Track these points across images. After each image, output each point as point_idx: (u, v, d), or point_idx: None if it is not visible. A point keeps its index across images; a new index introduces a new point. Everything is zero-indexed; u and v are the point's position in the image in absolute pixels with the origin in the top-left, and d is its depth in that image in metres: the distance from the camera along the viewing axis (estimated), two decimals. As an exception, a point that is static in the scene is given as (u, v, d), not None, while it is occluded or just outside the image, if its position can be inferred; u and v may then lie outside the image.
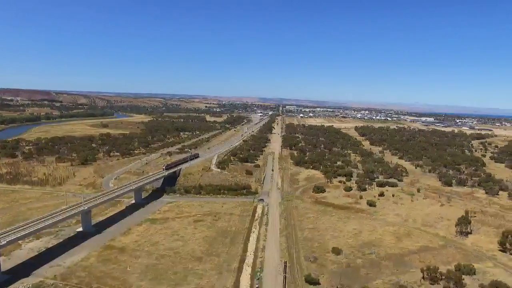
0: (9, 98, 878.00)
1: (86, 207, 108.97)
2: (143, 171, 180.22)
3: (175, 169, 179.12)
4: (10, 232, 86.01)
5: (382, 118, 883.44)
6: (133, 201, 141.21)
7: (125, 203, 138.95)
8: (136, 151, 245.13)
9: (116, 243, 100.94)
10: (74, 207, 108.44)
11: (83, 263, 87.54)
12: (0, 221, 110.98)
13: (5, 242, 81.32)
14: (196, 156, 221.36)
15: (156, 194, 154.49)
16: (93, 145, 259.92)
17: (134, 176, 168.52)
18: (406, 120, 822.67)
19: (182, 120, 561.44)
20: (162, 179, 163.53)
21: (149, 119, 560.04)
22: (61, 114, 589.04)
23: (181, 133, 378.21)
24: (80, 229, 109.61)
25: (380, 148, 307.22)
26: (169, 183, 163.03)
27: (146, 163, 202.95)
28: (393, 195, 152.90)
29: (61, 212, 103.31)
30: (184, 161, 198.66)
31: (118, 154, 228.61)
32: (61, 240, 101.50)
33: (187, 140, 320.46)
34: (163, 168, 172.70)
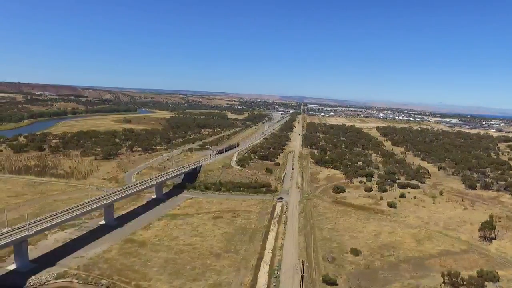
0: (37, 93, 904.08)
1: (108, 201, 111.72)
2: (164, 167, 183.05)
3: (224, 153, 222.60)
4: (37, 223, 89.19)
5: (405, 118, 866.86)
6: (154, 196, 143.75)
7: (146, 198, 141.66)
8: (158, 147, 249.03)
9: (137, 236, 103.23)
10: (97, 200, 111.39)
11: (105, 255, 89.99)
12: (28, 211, 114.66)
13: (33, 232, 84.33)
14: (236, 146, 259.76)
15: (177, 189, 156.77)
16: (117, 140, 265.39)
17: (156, 172, 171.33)
18: (429, 121, 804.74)
19: (203, 116, 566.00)
20: (183, 175, 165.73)
21: (171, 115, 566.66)
22: (86, 109, 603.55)
23: (202, 129, 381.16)
24: (103, 222, 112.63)
25: (402, 149, 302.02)
26: (189, 179, 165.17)
27: (168, 159, 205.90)
28: (414, 197, 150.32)
29: (85, 205, 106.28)
30: (230, 148, 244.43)
31: (140, 149, 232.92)
32: (84, 232, 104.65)
33: (208, 137, 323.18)
34: (216, 153, 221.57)
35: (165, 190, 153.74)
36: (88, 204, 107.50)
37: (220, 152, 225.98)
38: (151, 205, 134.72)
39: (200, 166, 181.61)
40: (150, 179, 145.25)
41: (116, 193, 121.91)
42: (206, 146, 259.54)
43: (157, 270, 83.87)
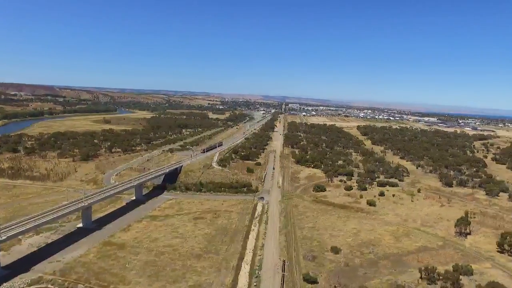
0: (12, 92, 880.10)
1: (86, 203, 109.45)
2: (144, 168, 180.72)
3: (210, 152, 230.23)
4: (10, 227, 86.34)
5: (385, 117, 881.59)
6: (134, 198, 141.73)
7: (126, 200, 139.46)
8: (138, 148, 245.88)
9: (115, 239, 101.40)
10: (74, 203, 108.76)
11: (82, 259, 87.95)
12: (1, 216, 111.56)
13: (5, 237, 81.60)
14: (220, 144, 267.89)
15: (157, 191, 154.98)
16: (95, 141, 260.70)
17: (136, 173, 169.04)
18: (408, 120, 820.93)
19: (184, 117, 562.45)
20: (163, 176, 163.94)
21: (152, 115, 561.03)
22: (64, 110, 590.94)
23: (183, 130, 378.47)
24: (81, 225, 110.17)
25: (382, 148, 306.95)
26: (170, 180, 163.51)
27: (148, 160, 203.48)
28: (393, 195, 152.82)
29: (62, 208, 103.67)
30: (214, 146, 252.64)
31: (120, 150, 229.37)
32: (61, 236, 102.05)
33: (189, 137, 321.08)
34: (201, 152, 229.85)
35: (145, 191, 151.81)
36: (65, 207, 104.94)
37: (205, 151, 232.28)
38: (130, 206, 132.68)
39: (181, 167, 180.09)
40: (130, 180, 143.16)
41: (94, 195, 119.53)
42: (187, 146, 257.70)
43: (136, 272, 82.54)
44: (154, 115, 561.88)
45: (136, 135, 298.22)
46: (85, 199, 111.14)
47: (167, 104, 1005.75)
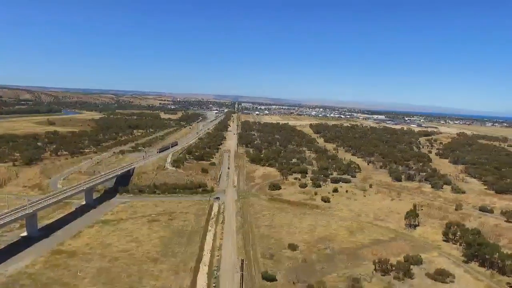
0: None
1: (31, 210, 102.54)
2: (94, 171, 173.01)
3: (165, 152, 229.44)
4: None
5: (336, 115, 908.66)
6: (84, 202, 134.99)
7: (75, 205, 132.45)
8: (86, 150, 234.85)
9: (65, 247, 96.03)
10: (17, 210, 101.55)
11: (28, 270, 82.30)
12: None
13: None
14: (176, 144, 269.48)
15: (109, 194, 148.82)
16: (39, 143, 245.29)
17: (85, 176, 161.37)
18: (358, 118, 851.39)
19: (135, 117, 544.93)
20: (115, 178, 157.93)
21: (100, 116, 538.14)
22: (0, 110, 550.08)
23: (134, 131, 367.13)
24: (25, 233, 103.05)
25: (334, 145, 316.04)
26: (122, 183, 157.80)
27: (98, 163, 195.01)
28: (346, 191, 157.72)
29: (2, 217, 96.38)
30: (168, 147, 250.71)
31: (66, 153, 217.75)
32: (2, 247, 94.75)
33: (140, 138, 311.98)
34: (157, 151, 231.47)
35: (96, 195, 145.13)
36: (6, 215, 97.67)
37: (160, 150, 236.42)
38: (80, 212, 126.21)
39: (133, 169, 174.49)
40: (79, 184, 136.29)
41: (40, 202, 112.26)
42: (139, 148, 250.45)
43: (89, 280, 78.62)
44: (103, 116, 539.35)
45: (84, 137, 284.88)
46: (29, 206, 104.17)
47: (116, 104, 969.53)
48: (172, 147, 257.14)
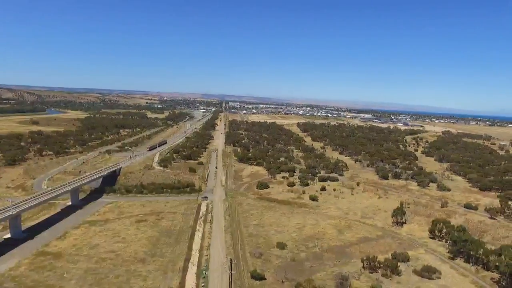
0: None
1: (14, 212, 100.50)
2: (80, 171, 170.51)
3: (153, 151, 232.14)
4: None
5: (323, 114, 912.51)
6: (70, 203, 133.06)
7: (61, 206, 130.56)
8: (71, 150, 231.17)
9: (50, 248, 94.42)
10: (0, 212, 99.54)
11: (12, 272, 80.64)
12: None
13: None
14: (165, 142, 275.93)
15: (95, 194, 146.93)
16: (22, 143, 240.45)
17: (70, 176, 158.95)
18: (345, 117, 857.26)
19: (121, 116, 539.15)
20: (101, 179, 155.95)
21: (86, 115, 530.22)
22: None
23: (121, 130, 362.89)
24: (8, 235, 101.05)
25: (322, 144, 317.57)
26: (108, 183, 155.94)
27: (83, 162, 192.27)
28: (334, 190, 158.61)
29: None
30: (160, 144, 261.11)
31: (51, 153, 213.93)
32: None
33: (127, 138, 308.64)
34: (147, 149, 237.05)
35: (82, 195, 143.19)
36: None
37: (150, 149, 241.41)
38: (66, 213, 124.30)
39: (120, 169, 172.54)
40: (64, 184, 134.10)
41: (24, 203, 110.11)
42: (126, 147, 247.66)
43: (75, 282, 77.40)
44: (89, 115, 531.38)
45: (70, 137, 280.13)
46: (13, 207, 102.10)
47: (102, 104, 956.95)
48: (161, 145, 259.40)
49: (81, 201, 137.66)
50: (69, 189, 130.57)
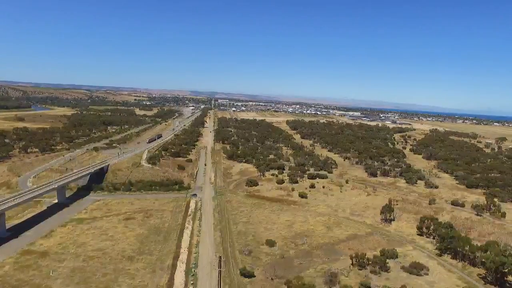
0: None
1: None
2: (66, 168, 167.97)
3: (154, 143, 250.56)
4: None
5: (312, 112, 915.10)
6: (56, 201, 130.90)
7: (47, 203, 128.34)
8: (58, 147, 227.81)
9: (36, 247, 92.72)
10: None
11: (-3, 271, 79.05)
12: None
13: None
14: (160, 136, 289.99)
15: (82, 192, 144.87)
16: (6, 140, 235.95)
17: (57, 174, 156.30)
18: (334, 114, 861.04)
19: (109, 113, 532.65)
20: (88, 176, 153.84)
21: (73, 112, 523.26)
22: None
23: (109, 127, 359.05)
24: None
25: (311, 142, 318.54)
26: (96, 181, 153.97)
27: (70, 160, 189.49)
28: (323, 187, 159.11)
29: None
30: (157, 138, 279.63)
31: (37, 150, 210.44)
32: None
33: (115, 135, 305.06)
34: (147, 142, 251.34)
35: (69, 193, 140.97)
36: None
37: (150, 141, 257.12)
38: (52, 210, 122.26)
39: (108, 166, 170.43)
40: (50, 182, 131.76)
41: (8, 201, 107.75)
42: (114, 144, 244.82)
43: (62, 281, 76.16)
44: (76, 112, 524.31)
45: (56, 134, 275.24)
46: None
47: (89, 100, 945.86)
48: (159, 138, 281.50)
49: (68, 198, 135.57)
50: (56, 186, 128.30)
